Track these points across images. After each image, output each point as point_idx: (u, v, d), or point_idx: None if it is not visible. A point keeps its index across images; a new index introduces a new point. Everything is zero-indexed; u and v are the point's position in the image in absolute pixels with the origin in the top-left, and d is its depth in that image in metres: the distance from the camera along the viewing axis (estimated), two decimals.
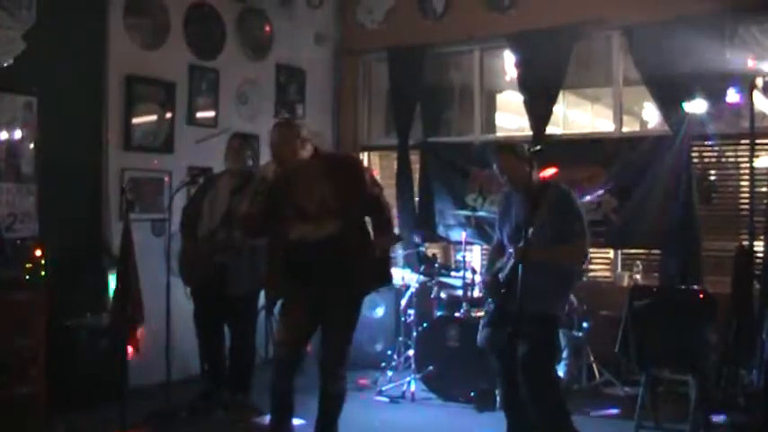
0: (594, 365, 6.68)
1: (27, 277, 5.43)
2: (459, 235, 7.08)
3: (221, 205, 5.86)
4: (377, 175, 8.92)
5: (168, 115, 7.01)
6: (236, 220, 5.38)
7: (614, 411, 6.11)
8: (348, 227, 4.56)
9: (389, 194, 8.43)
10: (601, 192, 6.90)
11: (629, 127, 7.95)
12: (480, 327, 4.96)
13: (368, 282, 4.77)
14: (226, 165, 6.17)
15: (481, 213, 7.08)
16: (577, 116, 9.90)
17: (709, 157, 7.12)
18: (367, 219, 4.84)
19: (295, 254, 4.61)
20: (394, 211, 8.22)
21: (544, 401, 4.62)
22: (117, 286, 5.58)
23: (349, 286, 4.64)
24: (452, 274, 7.23)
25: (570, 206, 4.64)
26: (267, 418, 4.94)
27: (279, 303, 5.10)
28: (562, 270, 4.77)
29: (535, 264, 4.42)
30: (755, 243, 5.90)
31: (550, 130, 7.70)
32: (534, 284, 4.43)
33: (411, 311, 7.02)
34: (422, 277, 7.14)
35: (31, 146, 5.98)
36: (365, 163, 8.93)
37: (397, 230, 4.95)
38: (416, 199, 8.33)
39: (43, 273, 5.52)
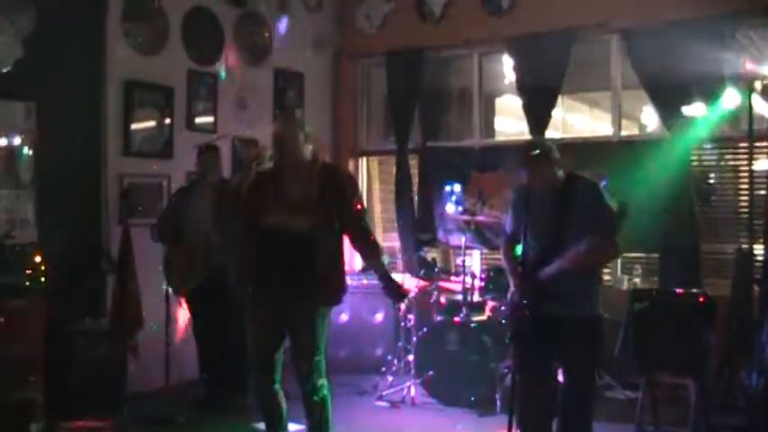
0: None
1: (26, 283, 5.42)
2: (459, 239, 7.08)
3: (207, 213, 5.85)
4: (375, 180, 8.99)
5: (167, 120, 7.02)
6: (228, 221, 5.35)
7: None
8: (324, 228, 4.49)
9: (388, 199, 8.48)
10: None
11: (628, 131, 7.96)
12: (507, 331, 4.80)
13: (332, 291, 4.60)
14: (201, 172, 6.17)
15: (481, 218, 7.07)
16: (576, 120, 9.89)
17: (709, 160, 7.12)
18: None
19: (267, 246, 4.50)
20: (392, 215, 8.28)
21: (587, 406, 4.50)
22: (116, 291, 5.59)
23: (316, 292, 4.52)
24: (452, 278, 7.23)
25: (604, 198, 4.44)
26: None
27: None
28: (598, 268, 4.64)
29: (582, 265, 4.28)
30: (755, 246, 5.91)
31: (549, 133, 7.71)
32: (579, 285, 4.36)
33: (411, 316, 7.01)
34: (421, 282, 7.14)
35: (30, 152, 5.98)
36: (362, 168, 8.98)
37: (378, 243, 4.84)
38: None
39: (42, 278, 5.52)
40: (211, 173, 6.12)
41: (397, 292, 4.70)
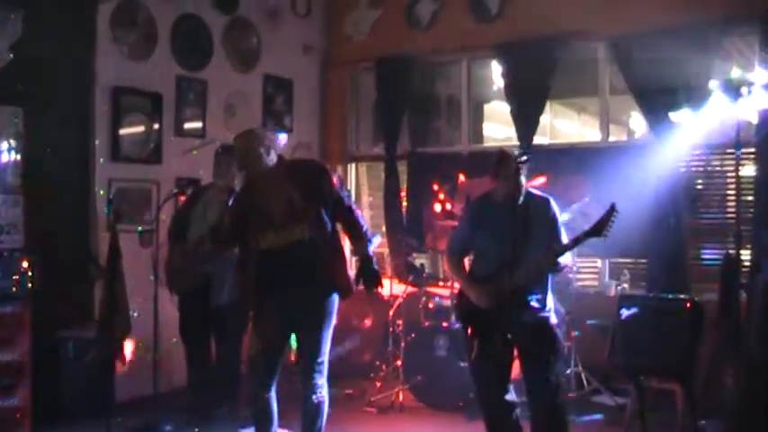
0: (583, 374, 6.69)
1: (13, 289, 5.40)
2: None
3: (211, 217, 5.82)
4: (364, 186, 8.99)
5: (156, 126, 7.01)
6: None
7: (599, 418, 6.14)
8: (317, 231, 4.55)
9: (377, 204, 8.48)
10: (587, 200, 6.85)
11: (616, 136, 7.99)
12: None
13: (341, 286, 4.73)
14: (214, 179, 6.13)
15: None
16: (564, 125, 9.95)
17: (696, 166, 7.15)
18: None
19: (266, 263, 4.59)
20: (381, 221, 8.28)
21: (561, 405, 4.63)
22: (104, 298, 5.57)
23: (320, 292, 4.63)
24: (440, 283, 7.24)
25: (557, 217, 4.70)
26: (252, 430, 4.93)
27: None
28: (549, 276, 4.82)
29: (539, 272, 4.55)
30: (742, 252, 5.93)
31: (537, 139, 7.73)
32: (539, 292, 4.58)
33: (399, 321, 7.01)
34: (410, 287, 7.15)
35: (18, 157, 5.95)
36: (351, 173, 8.98)
37: (369, 232, 4.91)
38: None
39: (30, 285, 5.50)
40: (218, 177, 6.01)
41: (371, 279, 4.74)
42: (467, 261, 5.01)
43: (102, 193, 6.55)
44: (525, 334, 4.57)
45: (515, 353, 4.71)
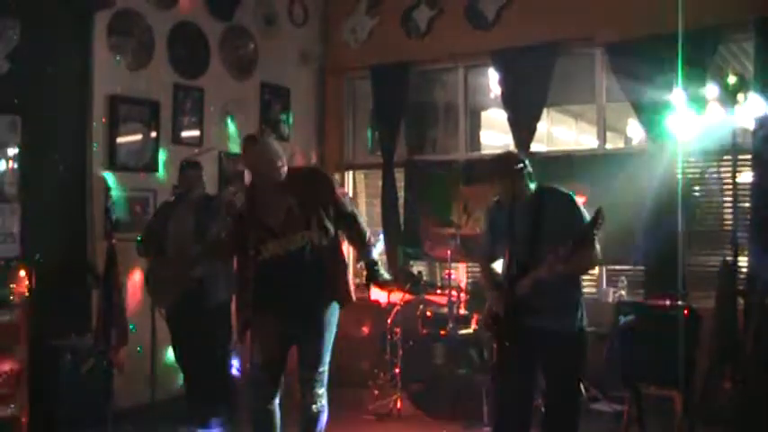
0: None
1: (11, 298, 5.39)
2: (445, 252, 7.07)
3: (188, 225, 5.82)
4: (361, 194, 8.99)
5: (153, 134, 7.01)
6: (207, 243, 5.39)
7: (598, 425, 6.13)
8: (318, 238, 4.54)
9: (375, 212, 8.48)
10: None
11: (613, 143, 7.99)
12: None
13: (341, 295, 4.70)
14: (181, 190, 6.11)
15: (466, 231, 7.07)
16: (561, 133, 9.94)
17: (693, 172, 7.15)
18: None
19: (266, 273, 4.55)
20: (379, 229, 8.28)
21: (572, 419, 4.52)
22: (101, 307, 5.56)
23: (321, 301, 4.61)
24: (438, 291, 7.23)
25: (578, 207, 4.46)
26: None
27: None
28: (579, 278, 4.62)
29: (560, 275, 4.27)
30: (739, 258, 5.93)
31: (535, 147, 7.73)
32: (561, 299, 4.39)
33: (397, 329, 7.01)
34: (407, 295, 7.14)
35: (15, 165, 5.96)
36: (348, 181, 8.98)
37: (372, 237, 4.89)
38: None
39: (27, 293, 5.49)
40: (192, 190, 6.05)
41: (377, 279, 4.74)
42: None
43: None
44: (548, 345, 4.37)
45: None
